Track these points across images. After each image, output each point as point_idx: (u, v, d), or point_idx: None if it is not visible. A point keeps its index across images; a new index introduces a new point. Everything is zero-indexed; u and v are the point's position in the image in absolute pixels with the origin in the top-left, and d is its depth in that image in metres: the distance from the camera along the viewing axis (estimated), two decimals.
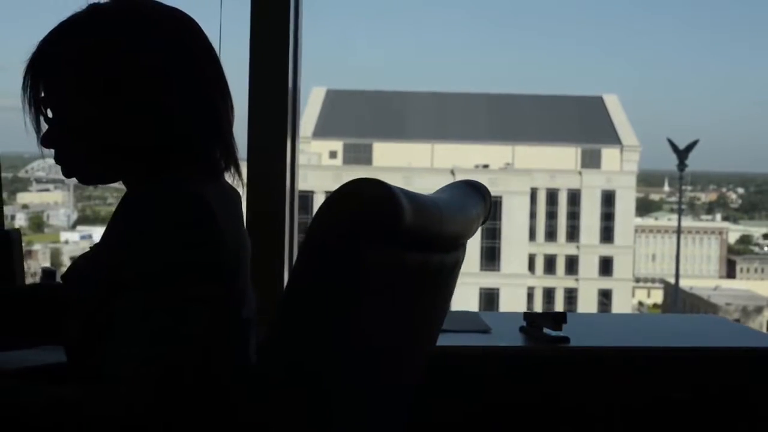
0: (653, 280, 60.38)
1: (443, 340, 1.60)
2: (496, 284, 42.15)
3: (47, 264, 39.29)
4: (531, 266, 45.38)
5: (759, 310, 46.90)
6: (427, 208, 1.25)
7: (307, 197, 34.37)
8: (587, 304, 44.84)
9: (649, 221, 66.15)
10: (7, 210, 2.13)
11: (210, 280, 1.23)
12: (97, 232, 47.94)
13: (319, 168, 42.11)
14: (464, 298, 37.83)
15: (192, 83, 1.31)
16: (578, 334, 2.06)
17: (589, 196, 46.00)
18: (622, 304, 45.00)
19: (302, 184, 2.49)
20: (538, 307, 42.46)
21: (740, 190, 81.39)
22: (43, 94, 1.32)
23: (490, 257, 42.39)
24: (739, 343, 2.15)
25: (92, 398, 1.19)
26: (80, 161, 1.34)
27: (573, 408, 2.02)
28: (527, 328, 2.12)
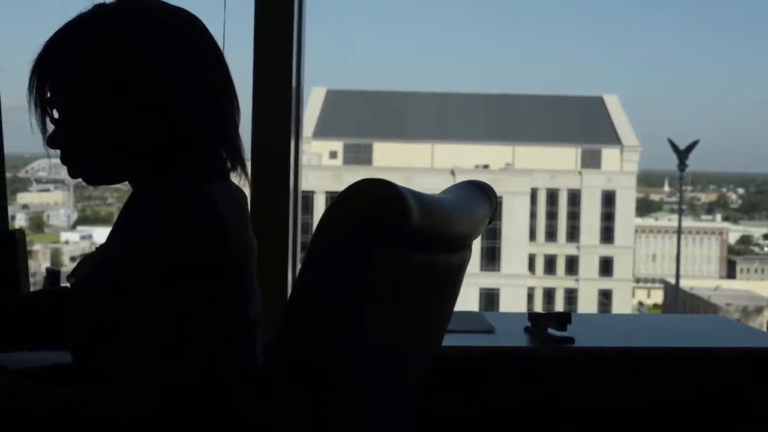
0: (653, 281, 60.37)
1: (448, 340, 1.60)
2: (497, 284, 42.16)
3: (47, 264, 39.29)
4: (531, 266, 45.38)
5: (759, 310, 46.90)
6: (434, 208, 1.25)
7: (307, 197, 34.42)
8: (587, 304, 44.84)
9: (649, 221, 66.15)
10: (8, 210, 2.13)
11: (217, 280, 1.23)
12: (97, 232, 47.94)
13: (319, 168, 42.14)
14: (464, 298, 37.76)
15: (198, 83, 1.31)
16: (583, 334, 2.06)
17: (590, 196, 46.00)
18: (622, 305, 45.00)
19: (303, 184, 2.49)
20: (539, 307, 42.44)
21: (740, 191, 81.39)
22: (49, 95, 1.32)
23: (491, 257, 42.39)
24: (744, 343, 2.15)
25: (97, 399, 1.19)
26: (86, 161, 1.34)
27: (578, 408, 2.02)
28: (532, 328, 2.12)
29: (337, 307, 1.14)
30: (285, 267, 2.34)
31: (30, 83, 1.31)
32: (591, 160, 48.34)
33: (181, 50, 1.30)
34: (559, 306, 44.16)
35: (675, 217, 52.00)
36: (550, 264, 46.53)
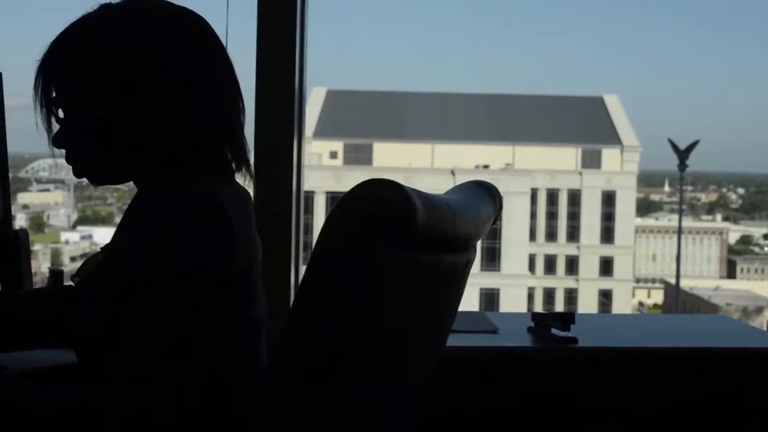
0: (653, 281, 60.36)
1: (451, 340, 1.59)
2: (497, 284, 42.15)
3: (48, 264, 39.30)
4: (531, 266, 45.38)
5: (759, 310, 46.89)
6: (440, 208, 1.25)
7: (307, 197, 34.32)
8: (587, 304, 44.83)
9: (649, 221, 66.13)
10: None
11: (223, 280, 1.23)
12: (98, 233, 47.94)
13: (319, 168, 42.13)
14: (464, 298, 37.34)
15: (204, 83, 1.31)
16: (586, 334, 2.06)
17: (590, 196, 46.00)
18: (622, 305, 44.99)
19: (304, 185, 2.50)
20: (539, 307, 42.43)
21: (740, 191, 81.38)
22: (54, 94, 1.32)
23: (491, 257, 42.38)
24: (748, 343, 2.15)
25: (104, 398, 1.19)
26: (91, 161, 1.34)
27: (581, 408, 2.01)
28: (535, 328, 2.12)
29: (343, 308, 1.14)
30: (288, 267, 2.34)
31: (35, 82, 1.31)
32: (591, 161, 48.32)
33: (187, 50, 1.30)
34: (559, 306, 44.16)
35: (675, 217, 52.00)
36: (550, 264, 46.52)
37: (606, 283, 45.91)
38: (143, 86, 1.27)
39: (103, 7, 1.31)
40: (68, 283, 1.58)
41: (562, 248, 46.61)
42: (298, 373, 1.15)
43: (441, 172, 42.59)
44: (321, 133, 47.57)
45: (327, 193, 37.95)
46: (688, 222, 61.66)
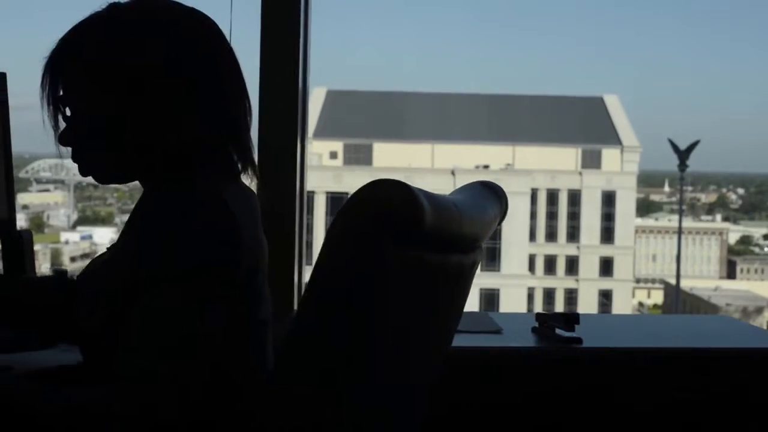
0: (653, 281, 60.34)
1: (455, 340, 1.60)
2: (497, 285, 42.12)
3: (47, 265, 39.25)
4: (531, 267, 45.36)
5: (759, 310, 46.88)
6: (447, 209, 1.25)
7: (308, 198, 34.30)
8: (587, 304, 44.80)
9: (649, 222, 66.11)
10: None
11: (229, 279, 1.23)
12: (98, 233, 47.91)
13: (319, 168, 42.12)
14: None
15: (212, 83, 1.31)
16: (590, 335, 2.06)
17: (590, 196, 45.98)
18: (622, 305, 44.97)
19: None
20: (539, 307, 42.42)
21: (740, 191, 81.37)
22: (61, 93, 1.32)
23: (491, 258, 42.35)
24: (752, 343, 2.15)
25: (111, 398, 1.19)
26: (98, 160, 1.34)
27: (586, 409, 2.01)
28: (539, 328, 2.11)
29: (350, 308, 1.14)
30: (291, 268, 2.34)
31: (42, 80, 1.31)
32: (591, 161, 48.30)
33: (195, 50, 1.30)
34: (559, 306, 44.13)
35: (675, 217, 51.98)
36: (550, 264, 46.50)
37: (606, 284, 45.89)
38: (151, 86, 1.27)
39: (112, 6, 1.31)
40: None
41: (562, 248, 46.60)
42: (304, 373, 1.15)
43: (441, 172, 42.57)
44: (321, 133, 47.56)
45: (327, 193, 37.94)
46: (688, 222, 61.65)
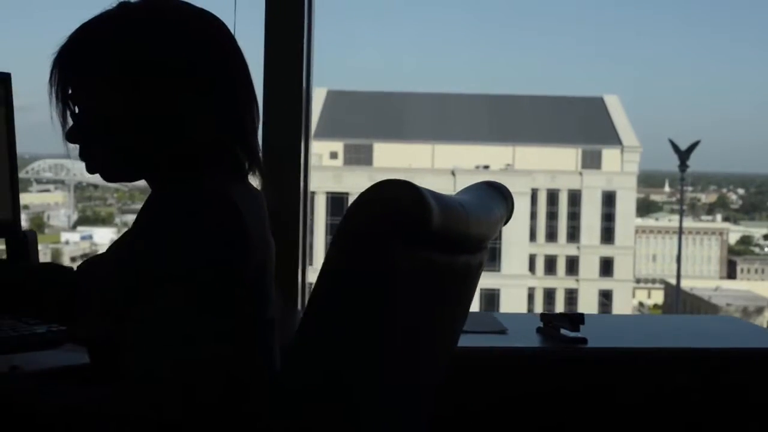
0: (654, 281, 60.31)
1: (460, 341, 1.60)
2: (497, 285, 42.11)
3: None
4: (531, 267, 45.35)
5: (760, 310, 46.87)
6: (454, 209, 1.25)
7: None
8: (588, 304, 44.77)
9: (649, 222, 66.05)
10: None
11: (236, 279, 1.23)
12: (98, 233, 47.87)
13: (320, 168, 42.12)
14: None
15: (220, 84, 1.31)
16: (595, 335, 2.06)
17: (590, 196, 45.97)
18: (622, 305, 44.95)
19: None
20: (539, 307, 42.40)
21: (741, 191, 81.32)
22: (70, 91, 1.32)
23: (491, 258, 42.13)
24: (757, 343, 2.15)
25: (120, 398, 1.19)
26: (105, 158, 1.34)
27: (591, 409, 2.01)
28: (544, 328, 2.11)
29: (358, 309, 1.14)
30: (296, 268, 2.34)
31: (51, 77, 1.32)
32: (591, 161, 48.28)
33: (204, 50, 1.30)
34: (560, 306, 44.11)
35: (675, 217, 51.98)
36: (550, 264, 46.49)
37: (606, 284, 45.87)
38: (159, 85, 1.27)
39: (122, 5, 1.31)
40: None
41: (562, 248, 46.58)
42: (312, 374, 1.15)
43: (441, 172, 42.57)
44: (321, 133, 47.53)
45: (327, 193, 37.93)
46: (688, 222, 61.59)
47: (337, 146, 48.06)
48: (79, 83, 1.32)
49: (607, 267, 46.21)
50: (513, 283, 42.51)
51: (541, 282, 45.67)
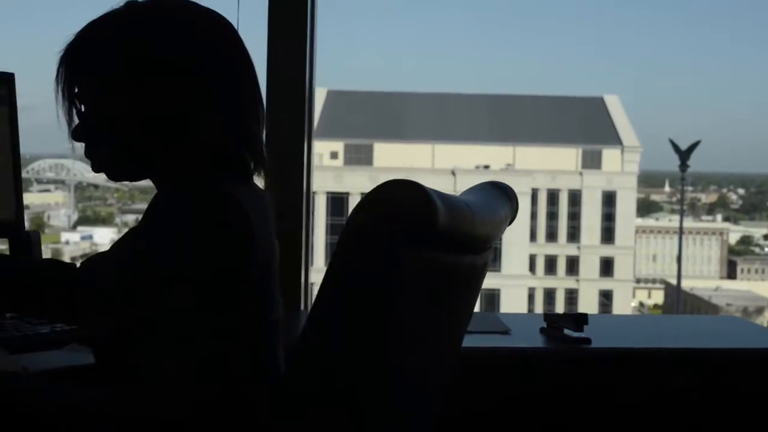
0: (654, 281, 60.32)
1: (464, 341, 1.59)
2: (497, 285, 42.10)
3: None
4: (532, 267, 45.34)
5: (760, 310, 46.86)
6: (460, 209, 1.25)
7: None
8: (588, 304, 44.76)
9: (649, 222, 66.05)
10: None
11: (241, 280, 1.23)
12: (98, 233, 47.88)
13: (320, 168, 42.12)
14: None
15: (226, 85, 1.31)
16: (599, 335, 2.06)
17: (590, 196, 45.97)
18: (622, 305, 44.96)
19: None
20: (539, 307, 42.39)
21: (741, 191, 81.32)
22: (76, 89, 1.32)
23: (491, 258, 42.32)
24: (761, 344, 2.15)
25: (123, 397, 1.19)
26: (111, 157, 1.34)
27: (595, 409, 2.01)
28: (548, 329, 2.11)
29: (363, 309, 1.14)
30: (299, 268, 2.34)
31: (57, 75, 1.32)
32: (592, 161, 48.28)
33: (211, 50, 1.30)
34: (560, 306, 44.11)
35: (676, 217, 51.99)
36: (550, 264, 46.49)
37: (606, 284, 45.87)
38: (164, 86, 1.27)
39: (129, 4, 1.31)
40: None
41: (562, 248, 46.58)
42: (317, 375, 1.15)
43: (441, 172, 42.57)
44: (321, 133, 47.53)
45: (328, 193, 37.93)
46: (688, 222, 61.60)
47: (338, 146, 48.06)
48: (86, 82, 1.32)
49: (607, 267, 46.21)
50: (513, 283, 42.50)
51: (541, 282, 45.66)
